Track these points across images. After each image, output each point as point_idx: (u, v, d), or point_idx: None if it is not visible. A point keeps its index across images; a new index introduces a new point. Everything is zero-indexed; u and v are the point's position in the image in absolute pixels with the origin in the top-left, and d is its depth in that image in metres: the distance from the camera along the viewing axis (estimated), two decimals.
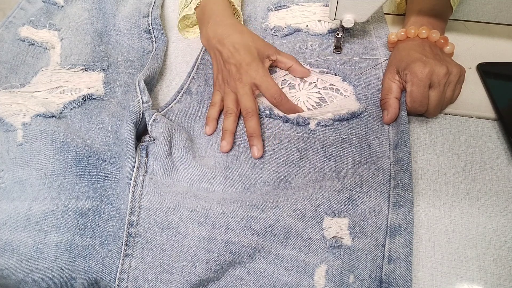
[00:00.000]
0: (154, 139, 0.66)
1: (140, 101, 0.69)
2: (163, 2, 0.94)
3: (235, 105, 0.70)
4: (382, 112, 0.69)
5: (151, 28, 0.85)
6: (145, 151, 0.65)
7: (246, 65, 0.70)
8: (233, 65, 0.70)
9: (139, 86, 0.72)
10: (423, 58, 0.67)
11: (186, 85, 0.77)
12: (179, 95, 0.76)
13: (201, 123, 0.72)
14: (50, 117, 0.68)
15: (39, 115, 0.67)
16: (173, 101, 0.75)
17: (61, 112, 0.70)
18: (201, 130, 0.71)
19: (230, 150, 0.68)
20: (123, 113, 0.70)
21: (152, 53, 0.82)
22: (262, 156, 0.67)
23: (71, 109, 0.70)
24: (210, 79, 0.78)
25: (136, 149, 0.65)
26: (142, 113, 0.69)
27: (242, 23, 0.84)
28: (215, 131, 0.71)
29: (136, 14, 0.86)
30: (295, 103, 0.72)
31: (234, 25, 0.75)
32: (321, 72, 0.75)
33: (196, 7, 0.80)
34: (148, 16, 0.86)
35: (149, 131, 0.67)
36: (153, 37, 0.84)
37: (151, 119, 0.67)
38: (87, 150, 0.65)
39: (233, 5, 0.81)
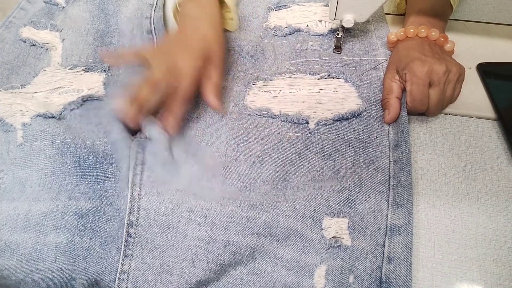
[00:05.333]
0: (149, 139, 0.66)
1: None
2: (164, 2, 0.94)
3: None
4: (383, 112, 0.69)
5: (153, 29, 0.85)
6: (141, 148, 0.65)
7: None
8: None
9: None
10: (422, 57, 0.67)
11: None
12: None
13: (197, 124, 0.72)
14: (50, 117, 0.68)
15: (39, 115, 0.68)
16: None
17: (61, 113, 0.70)
18: (198, 130, 0.71)
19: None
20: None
21: None
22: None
23: (71, 110, 0.71)
24: None
25: (130, 147, 0.65)
26: None
27: (236, 25, 0.84)
28: None
29: (139, 15, 0.86)
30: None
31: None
32: (322, 78, 0.75)
33: None
34: (150, 17, 0.86)
35: (145, 132, 0.67)
36: (155, 38, 0.84)
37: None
38: (86, 151, 0.65)
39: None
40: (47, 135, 0.66)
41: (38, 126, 0.67)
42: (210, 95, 0.68)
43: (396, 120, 0.67)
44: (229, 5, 0.78)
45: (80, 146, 0.65)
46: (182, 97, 0.65)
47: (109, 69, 0.78)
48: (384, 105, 0.69)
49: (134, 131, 0.69)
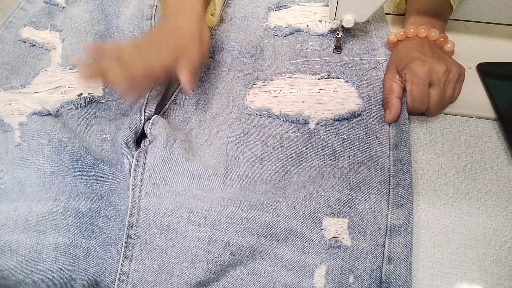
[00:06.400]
0: (153, 141, 0.66)
1: (143, 111, 0.70)
2: None
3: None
4: (384, 112, 0.69)
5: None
6: (144, 152, 0.65)
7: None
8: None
9: (147, 98, 0.72)
10: (421, 57, 0.67)
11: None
12: (174, 95, 0.76)
13: (198, 124, 0.72)
14: (46, 115, 0.68)
15: (34, 113, 0.68)
16: (169, 100, 0.75)
17: (57, 110, 0.70)
18: (199, 130, 0.71)
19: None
20: (123, 121, 0.70)
21: None
22: None
23: (69, 109, 0.71)
24: (206, 79, 0.78)
25: (133, 153, 0.65)
26: (143, 122, 0.69)
27: (214, 22, 0.84)
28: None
29: (139, 16, 0.86)
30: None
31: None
32: (322, 78, 0.75)
33: None
34: (151, 18, 0.86)
35: (148, 135, 0.68)
36: None
37: (150, 124, 0.68)
38: (84, 150, 0.65)
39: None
40: (44, 134, 0.66)
41: (35, 125, 0.67)
42: (182, 76, 0.66)
43: (397, 119, 0.67)
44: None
45: (77, 146, 0.65)
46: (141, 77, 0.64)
47: None
48: (385, 104, 0.69)
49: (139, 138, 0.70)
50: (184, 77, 0.65)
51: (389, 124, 0.68)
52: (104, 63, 0.62)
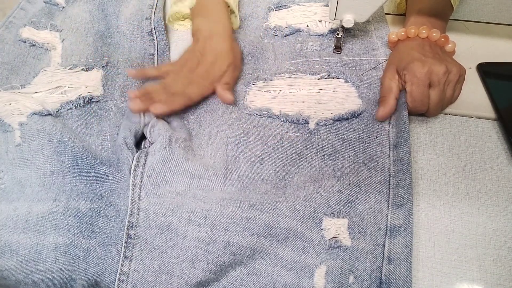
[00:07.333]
0: (153, 143, 0.66)
1: (143, 114, 0.70)
2: (164, 3, 0.94)
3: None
4: (378, 107, 0.68)
5: (153, 30, 0.85)
6: (144, 153, 0.65)
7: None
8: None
9: None
10: (422, 57, 0.67)
11: None
12: None
13: (197, 124, 0.72)
14: (47, 115, 0.68)
15: (35, 113, 0.68)
16: None
17: (57, 111, 0.70)
18: (199, 130, 0.71)
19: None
20: (123, 121, 0.70)
21: (155, 56, 0.82)
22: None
23: (68, 109, 0.71)
24: None
25: (133, 153, 0.65)
26: (143, 125, 0.69)
27: (238, 22, 0.85)
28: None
29: (139, 16, 0.86)
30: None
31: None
32: (322, 78, 0.75)
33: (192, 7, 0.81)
34: (151, 18, 0.86)
35: (147, 137, 0.68)
36: (155, 39, 0.84)
37: (149, 127, 0.68)
38: (84, 150, 0.65)
39: (229, 7, 0.82)
40: (44, 134, 0.66)
41: (35, 125, 0.67)
42: (220, 91, 0.72)
43: (388, 118, 0.67)
44: (231, 5, 0.81)
45: (77, 146, 0.65)
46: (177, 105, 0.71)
47: (107, 65, 0.78)
48: (381, 102, 0.68)
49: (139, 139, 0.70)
50: (224, 96, 0.72)
51: (381, 121, 0.67)
52: (149, 88, 0.70)
